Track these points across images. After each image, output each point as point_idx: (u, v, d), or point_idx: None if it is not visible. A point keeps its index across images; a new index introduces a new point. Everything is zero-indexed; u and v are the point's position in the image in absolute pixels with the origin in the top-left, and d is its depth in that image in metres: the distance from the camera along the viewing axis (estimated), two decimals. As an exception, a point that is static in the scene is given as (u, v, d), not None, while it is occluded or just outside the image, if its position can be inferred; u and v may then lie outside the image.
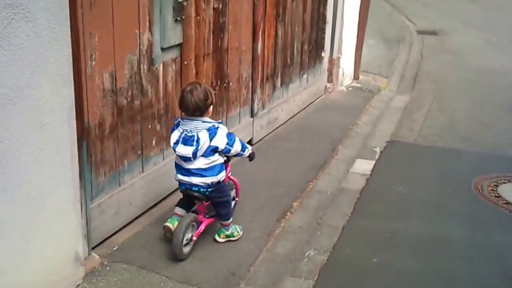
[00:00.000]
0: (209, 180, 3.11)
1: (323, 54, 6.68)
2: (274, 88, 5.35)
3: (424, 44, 11.08)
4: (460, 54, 10.27)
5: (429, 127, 6.27)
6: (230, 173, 3.47)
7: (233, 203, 3.59)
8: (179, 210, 3.26)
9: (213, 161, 3.11)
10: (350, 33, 7.49)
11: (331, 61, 7.05)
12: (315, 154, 5.17)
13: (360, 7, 7.66)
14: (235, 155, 3.29)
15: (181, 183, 3.18)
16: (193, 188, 3.14)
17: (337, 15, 6.91)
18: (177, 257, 3.11)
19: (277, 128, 5.57)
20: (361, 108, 6.74)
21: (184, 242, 3.08)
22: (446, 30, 12.39)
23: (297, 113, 6.10)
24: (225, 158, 3.25)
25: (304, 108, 6.32)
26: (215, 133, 3.05)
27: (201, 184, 3.11)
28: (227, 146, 3.13)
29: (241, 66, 4.68)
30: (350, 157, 5.20)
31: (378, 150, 5.43)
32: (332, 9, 6.73)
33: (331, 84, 7.10)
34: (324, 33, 6.61)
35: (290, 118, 5.87)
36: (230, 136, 3.17)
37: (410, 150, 5.58)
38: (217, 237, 3.34)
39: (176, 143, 3.05)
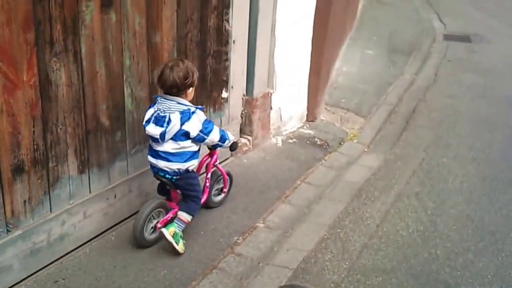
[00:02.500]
0: (174, 166, 2.95)
1: (224, 94, 4.00)
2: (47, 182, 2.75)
3: (447, 56, 8.11)
4: (493, 75, 7.27)
5: (380, 259, 3.52)
6: (217, 162, 3.41)
7: (222, 195, 3.59)
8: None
9: (182, 147, 2.93)
10: (294, 55, 4.75)
11: (249, 102, 4.35)
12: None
13: (316, 12, 4.87)
14: (214, 146, 3.18)
15: (151, 165, 3.01)
16: (160, 173, 2.99)
17: (259, 29, 4.21)
18: (138, 243, 3.00)
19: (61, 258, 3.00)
20: (282, 189, 4.04)
21: (148, 228, 2.98)
22: (484, 36, 9.33)
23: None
24: (199, 145, 3.03)
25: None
26: (189, 117, 2.87)
27: (166, 169, 2.96)
28: (201, 134, 2.94)
29: None
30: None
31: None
32: (244, 18, 4.03)
33: (248, 138, 4.42)
34: (227, 60, 3.93)
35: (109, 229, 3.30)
36: (207, 124, 2.97)
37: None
38: (164, 230, 2.95)
39: (148, 121, 2.89)
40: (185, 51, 3.49)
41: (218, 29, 3.80)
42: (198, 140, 2.97)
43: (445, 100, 6.25)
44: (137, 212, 3.08)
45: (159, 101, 2.90)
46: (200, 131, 2.93)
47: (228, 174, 3.59)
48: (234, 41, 3.99)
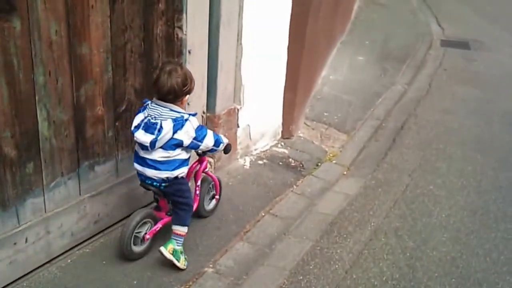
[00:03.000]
0: (163, 174, 2.78)
1: (178, 113, 3.46)
2: None
3: (443, 64, 7.58)
4: (491, 87, 6.75)
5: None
6: (207, 168, 3.27)
7: (213, 201, 3.48)
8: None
9: (171, 156, 2.76)
10: (265, 66, 4.23)
11: (211, 120, 3.84)
12: None
13: (293, 18, 4.35)
14: (208, 151, 2.98)
15: (137, 173, 2.87)
16: (147, 181, 2.84)
17: (222, 37, 3.69)
18: (125, 257, 2.85)
19: None
20: (242, 223, 3.53)
21: (134, 240, 2.83)
22: (485, 42, 8.79)
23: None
24: (189, 153, 2.87)
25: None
26: (181, 125, 2.70)
27: (154, 177, 2.79)
28: (195, 142, 2.80)
29: None
30: None
31: None
32: (203, 25, 3.51)
33: (209, 160, 3.89)
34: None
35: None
36: (200, 130, 2.81)
37: None
38: (162, 249, 2.85)
39: (137, 127, 2.71)
40: (123, 64, 2.96)
41: (168, 38, 3.27)
42: (192, 147, 2.83)
43: (437, 116, 5.72)
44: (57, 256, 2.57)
45: (150, 107, 2.74)
46: (194, 138, 2.79)
47: (219, 180, 3.48)
48: (189, 51, 3.46)
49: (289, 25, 4.39)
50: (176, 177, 2.83)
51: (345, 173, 4.46)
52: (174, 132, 2.70)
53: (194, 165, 3.20)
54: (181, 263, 2.90)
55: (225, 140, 3.06)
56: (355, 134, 5.18)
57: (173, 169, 2.80)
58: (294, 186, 4.09)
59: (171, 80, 2.68)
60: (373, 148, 4.98)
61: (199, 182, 3.23)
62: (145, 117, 2.72)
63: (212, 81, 3.78)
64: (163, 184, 2.84)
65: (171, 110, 2.74)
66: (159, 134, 2.67)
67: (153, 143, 2.69)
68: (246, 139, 4.31)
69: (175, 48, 3.34)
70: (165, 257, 2.85)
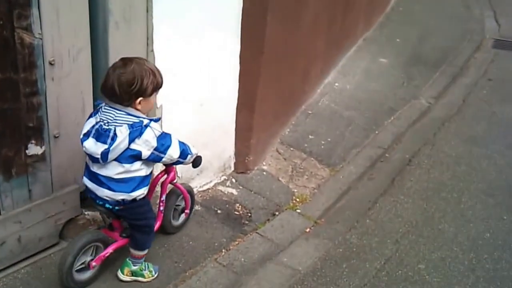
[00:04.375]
0: (118, 196, 2.33)
1: (34, 150, 2.40)
2: None
3: (489, 72, 6.11)
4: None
5: None
6: (176, 180, 2.77)
7: (182, 216, 3.01)
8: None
9: (128, 171, 2.30)
10: (200, 79, 3.11)
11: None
12: None
13: (250, 14, 3.15)
14: (173, 163, 2.51)
15: (86, 189, 2.42)
16: (98, 201, 2.38)
17: (114, 41, 2.56)
18: (63, 285, 2.41)
19: None
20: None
21: (78, 267, 2.41)
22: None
23: None
24: (150, 169, 2.41)
25: None
26: (139, 133, 2.25)
27: (107, 198, 2.33)
28: (156, 153, 2.32)
29: None
30: None
31: None
32: (76, 23, 2.44)
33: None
34: (36, 93, 2.34)
35: None
36: (163, 138, 2.34)
37: None
38: (119, 273, 2.57)
39: (87, 135, 2.27)
40: None
41: (5, 46, 2.17)
42: (153, 160, 2.35)
43: (461, 148, 4.36)
44: None
45: (103, 110, 2.30)
46: (155, 149, 2.31)
47: (189, 192, 2.97)
48: (53, 62, 2.35)
49: (240, 25, 3.19)
50: (134, 200, 2.37)
51: (308, 230, 3.26)
52: (131, 141, 2.23)
53: (159, 176, 2.72)
54: (147, 277, 2.62)
55: (194, 151, 2.56)
56: (342, 168, 3.94)
57: (131, 191, 2.34)
58: (223, 252, 2.93)
59: (113, 77, 2.21)
60: (361, 191, 3.74)
61: (163, 197, 2.74)
62: (97, 123, 2.27)
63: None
64: (116, 208, 2.38)
65: (128, 114, 2.26)
66: (112, 143, 2.23)
67: (104, 154, 2.24)
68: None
69: (18, 59, 2.24)
70: (125, 282, 2.54)
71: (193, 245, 2.92)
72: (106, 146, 2.25)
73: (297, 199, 3.53)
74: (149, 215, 2.56)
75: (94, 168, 2.33)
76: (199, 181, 3.38)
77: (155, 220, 2.68)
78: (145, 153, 2.29)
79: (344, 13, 5.30)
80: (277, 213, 3.36)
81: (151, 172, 2.45)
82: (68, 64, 2.41)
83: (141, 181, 2.37)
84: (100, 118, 2.28)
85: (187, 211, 3.02)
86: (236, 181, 3.56)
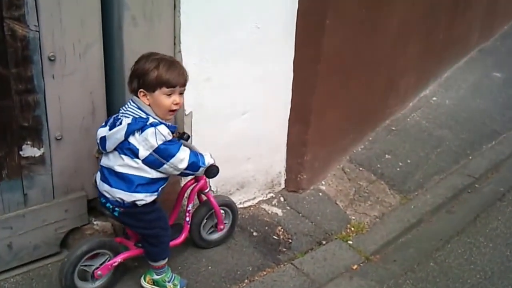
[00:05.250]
0: (116, 193, 2.15)
1: (31, 152, 2.29)
2: None
3: None
4: None
5: None
6: (207, 190, 2.57)
7: (218, 233, 2.74)
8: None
9: (129, 166, 2.13)
10: (239, 86, 2.82)
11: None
12: None
13: (300, 19, 2.79)
14: (181, 175, 2.27)
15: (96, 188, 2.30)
16: (101, 199, 2.24)
17: (130, 38, 2.34)
18: None
19: None
20: None
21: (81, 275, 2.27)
22: None
23: None
24: (162, 175, 2.19)
25: None
26: (141, 128, 2.10)
27: (106, 194, 2.19)
28: (156, 156, 2.12)
29: None
30: None
31: None
32: (92, 14, 2.24)
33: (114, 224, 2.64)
34: (32, 91, 2.22)
35: None
36: (170, 145, 2.15)
37: None
38: (142, 280, 2.44)
39: (106, 124, 2.22)
40: None
41: (-3, 38, 2.03)
42: (152, 163, 2.15)
43: None
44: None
45: (129, 102, 2.24)
46: (155, 151, 2.12)
47: (228, 205, 2.75)
48: (52, 58, 2.18)
49: (295, 28, 2.82)
50: (135, 204, 2.17)
51: (355, 267, 2.80)
52: (129, 132, 2.10)
53: (188, 184, 2.56)
54: None
55: (208, 161, 2.31)
56: (417, 196, 3.39)
57: (132, 191, 2.15)
58: (244, 283, 2.58)
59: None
60: (434, 226, 3.17)
61: (190, 206, 2.54)
62: (116, 114, 2.22)
63: (114, 98, 2.46)
64: (116, 209, 2.20)
65: (139, 108, 2.15)
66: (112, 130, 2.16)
67: (103, 140, 2.16)
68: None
69: (8, 52, 2.08)
70: None
71: (211, 271, 2.61)
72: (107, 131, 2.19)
73: (352, 228, 3.07)
74: (156, 225, 2.33)
75: (101, 161, 2.23)
76: (239, 196, 3.06)
77: (181, 232, 2.52)
78: (143, 153, 2.13)
79: (451, 20, 4.67)
80: (323, 242, 2.94)
81: (164, 180, 2.24)
82: (72, 60, 2.22)
83: (144, 183, 2.19)
84: (121, 109, 2.21)
85: (221, 226, 2.74)
86: (284, 200, 3.19)
